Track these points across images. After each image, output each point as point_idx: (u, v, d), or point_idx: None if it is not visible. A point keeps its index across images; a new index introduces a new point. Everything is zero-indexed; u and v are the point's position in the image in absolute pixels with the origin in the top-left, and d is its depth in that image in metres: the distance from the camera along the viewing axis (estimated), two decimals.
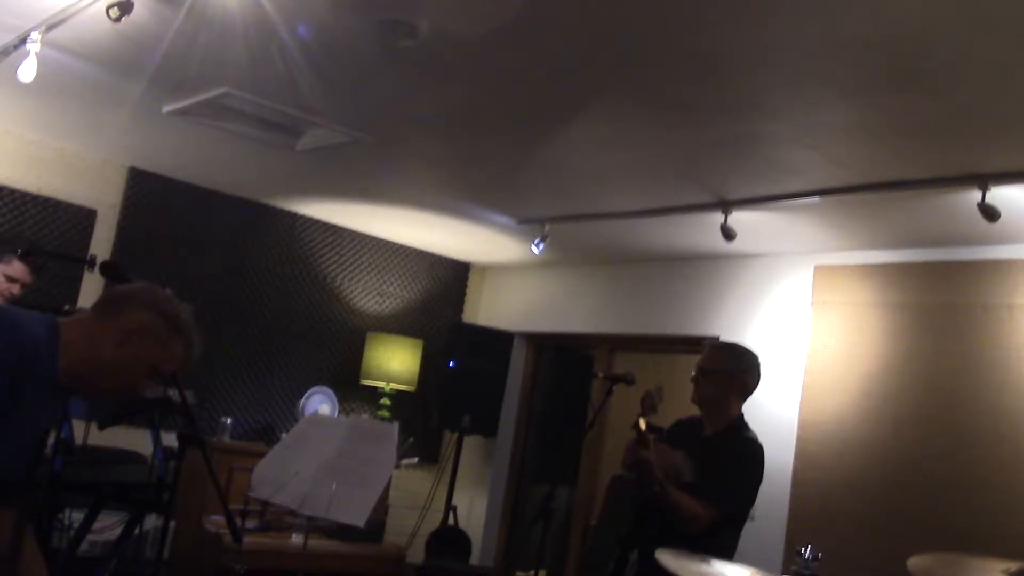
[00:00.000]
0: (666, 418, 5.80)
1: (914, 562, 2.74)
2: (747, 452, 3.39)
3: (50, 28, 3.38)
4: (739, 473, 3.35)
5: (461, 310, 7.01)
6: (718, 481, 3.30)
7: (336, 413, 5.99)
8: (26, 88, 3.84)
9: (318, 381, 6.09)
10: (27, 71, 3.52)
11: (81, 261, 5.03)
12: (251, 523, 4.60)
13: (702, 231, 4.84)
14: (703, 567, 2.87)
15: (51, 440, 3.60)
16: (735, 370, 3.49)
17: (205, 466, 3.24)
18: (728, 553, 3.25)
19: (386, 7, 2.91)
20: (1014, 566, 2.63)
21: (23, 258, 4.04)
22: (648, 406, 3.33)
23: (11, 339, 1.94)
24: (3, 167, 5.11)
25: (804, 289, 5.01)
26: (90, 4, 3.09)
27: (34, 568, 2.15)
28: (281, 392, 6.04)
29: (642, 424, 3.24)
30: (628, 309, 5.98)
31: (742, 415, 3.49)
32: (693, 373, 3.56)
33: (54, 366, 2.00)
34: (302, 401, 5.91)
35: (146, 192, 5.56)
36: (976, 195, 3.59)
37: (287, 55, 3.32)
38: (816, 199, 4.09)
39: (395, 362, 6.14)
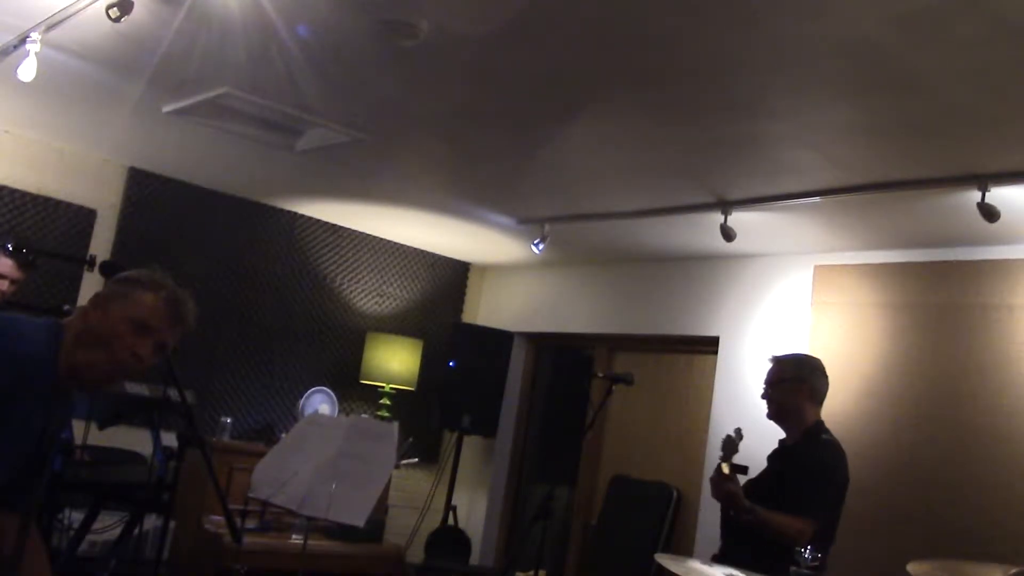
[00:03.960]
0: (650, 417, 5.82)
1: (914, 568, 2.73)
2: (824, 456, 3.40)
3: (50, 28, 3.38)
4: (819, 478, 3.36)
5: (461, 310, 7.00)
6: (802, 490, 3.32)
7: (336, 413, 5.99)
8: (26, 88, 3.84)
9: (318, 381, 6.09)
10: (27, 71, 3.52)
11: (81, 261, 5.02)
12: (251, 523, 4.60)
13: (702, 231, 4.84)
14: (703, 567, 2.87)
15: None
16: (799, 376, 3.53)
17: (205, 466, 3.24)
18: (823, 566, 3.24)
19: (386, 7, 2.91)
20: (1013, 569, 2.63)
21: (10, 254, 4.03)
22: (728, 450, 3.39)
23: (8, 347, 1.96)
24: (3, 167, 5.11)
25: (804, 289, 5.02)
26: (90, 4, 3.09)
27: (39, 571, 2.15)
28: (281, 392, 6.04)
29: (724, 468, 3.35)
30: (628, 309, 5.98)
31: (820, 421, 3.52)
32: (762, 392, 3.61)
33: (54, 370, 2.01)
34: (302, 401, 5.91)
35: (146, 192, 5.56)
36: (976, 195, 3.59)
37: (287, 55, 3.32)
38: (816, 199, 4.09)
39: (395, 362, 6.13)
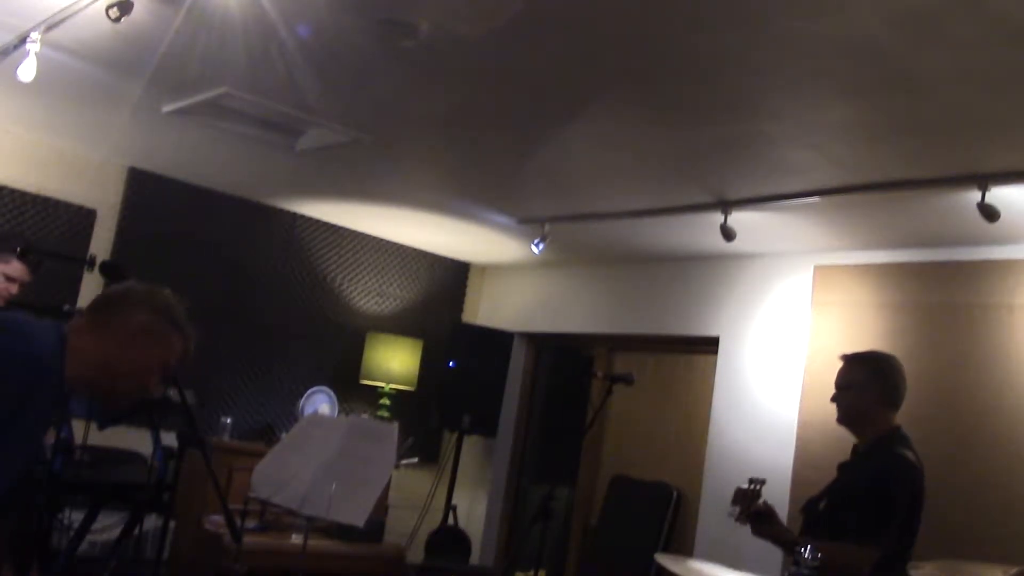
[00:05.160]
0: (650, 417, 5.80)
1: (914, 568, 2.73)
2: (887, 473, 3.09)
3: (50, 28, 3.38)
4: (880, 499, 3.03)
5: (461, 310, 7.00)
6: (861, 513, 3.02)
7: (336, 413, 5.99)
8: (26, 88, 3.84)
9: (318, 381, 6.09)
10: (27, 71, 3.52)
11: (81, 261, 5.02)
12: (251, 523, 4.60)
13: (702, 231, 4.84)
14: (703, 567, 2.87)
15: (50, 442, 3.61)
16: (871, 378, 3.24)
17: (205, 466, 3.24)
18: (891, 568, 2.98)
19: (386, 7, 2.91)
20: (1013, 569, 2.62)
21: (21, 257, 4.04)
22: (743, 501, 3.19)
23: (23, 350, 1.95)
24: (3, 167, 5.11)
25: (804, 289, 5.01)
26: (90, 4, 3.09)
27: None
28: (281, 392, 6.04)
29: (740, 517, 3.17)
30: (628, 309, 5.98)
31: (898, 427, 3.22)
32: (832, 395, 3.33)
33: (61, 375, 2.01)
34: (302, 401, 5.91)
35: (146, 192, 5.56)
36: (976, 195, 3.59)
37: (287, 55, 3.32)
38: (816, 199, 4.09)
39: (395, 362, 6.14)
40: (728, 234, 4.46)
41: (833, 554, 2.86)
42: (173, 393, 3.50)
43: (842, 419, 3.32)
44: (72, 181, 5.33)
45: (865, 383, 3.25)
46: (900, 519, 3.04)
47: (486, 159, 4.44)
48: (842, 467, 3.37)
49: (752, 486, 3.21)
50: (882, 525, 3.00)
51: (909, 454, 3.15)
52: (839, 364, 3.49)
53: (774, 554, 4.61)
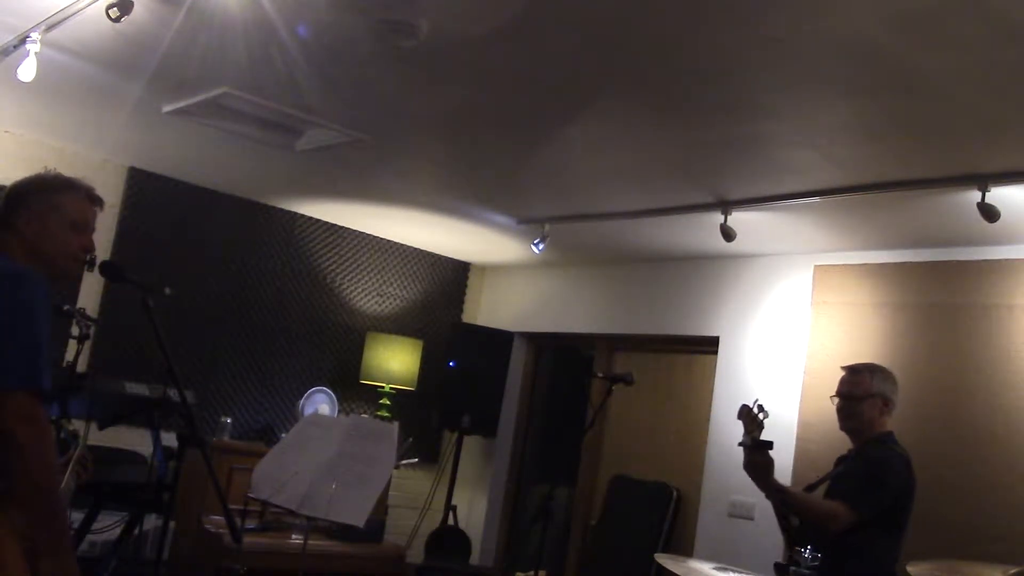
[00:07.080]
0: (650, 417, 5.81)
1: (914, 568, 2.74)
2: (882, 458, 3.40)
3: (50, 28, 3.38)
4: (870, 473, 3.37)
5: (461, 310, 7.00)
6: (849, 482, 3.38)
7: (336, 413, 5.99)
8: (26, 88, 3.84)
9: (318, 381, 6.09)
10: (27, 71, 3.52)
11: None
12: (251, 523, 4.60)
13: (702, 231, 4.84)
14: (703, 567, 2.88)
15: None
16: (883, 392, 3.52)
17: (205, 466, 3.23)
18: (883, 560, 3.29)
19: (386, 7, 2.91)
20: (1013, 569, 2.63)
21: None
22: (749, 424, 3.35)
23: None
24: (3, 167, 5.10)
25: (804, 289, 5.01)
26: (90, 4, 3.09)
27: None
28: (281, 392, 6.04)
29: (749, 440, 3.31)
30: (628, 309, 5.98)
31: (890, 432, 3.52)
32: (838, 402, 3.58)
33: None
34: (302, 401, 5.91)
35: (146, 192, 5.55)
36: (976, 195, 3.59)
37: (287, 55, 3.32)
38: (816, 199, 4.09)
39: (395, 362, 6.13)
40: (728, 234, 4.46)
41: (813, 502, 3.37)
42: (173, 393, 3.50)
43: (848, 427, 3.56)
44: None
45: (873, 393, 3.50)
46: (887, 501, 3.32)
47: (486, 159, 4.44)
48: (840, 459, 3.64)
49: (756, 410, 3.39)
50: (867, 495, 3.30)
51: (900, 450, 3.46)
52: (839, 364, 3.61)
53: (774, 554, 4.61)
